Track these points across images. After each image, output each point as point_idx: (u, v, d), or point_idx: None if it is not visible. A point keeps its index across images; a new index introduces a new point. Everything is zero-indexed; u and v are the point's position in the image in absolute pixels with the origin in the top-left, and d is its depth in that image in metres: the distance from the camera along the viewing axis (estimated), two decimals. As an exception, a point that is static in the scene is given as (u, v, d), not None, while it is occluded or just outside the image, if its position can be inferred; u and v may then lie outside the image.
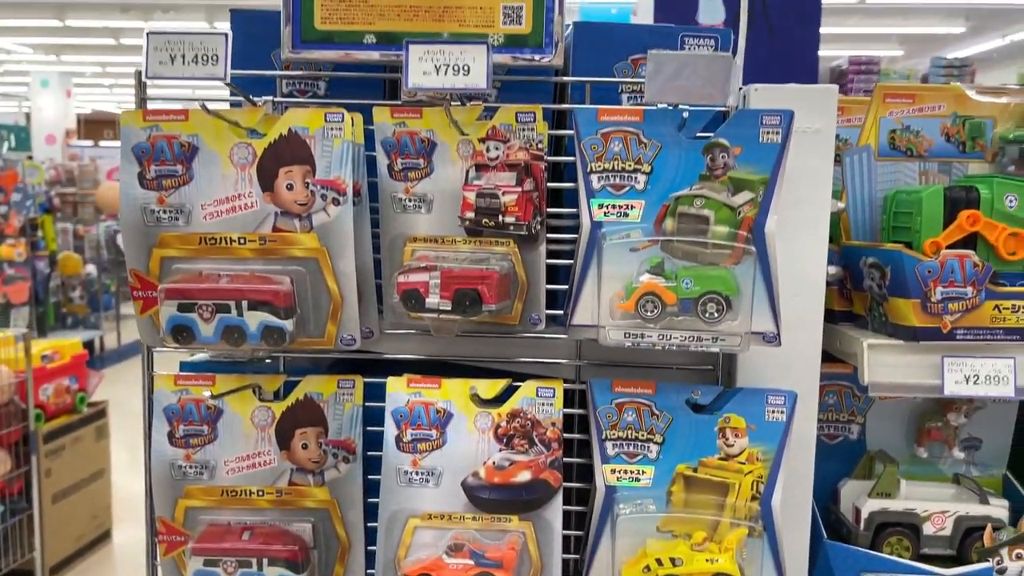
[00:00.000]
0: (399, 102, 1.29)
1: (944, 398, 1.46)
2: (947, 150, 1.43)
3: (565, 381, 1.33)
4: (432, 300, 1.20)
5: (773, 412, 1.21)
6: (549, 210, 1.28)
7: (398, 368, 1.34)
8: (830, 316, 1.44)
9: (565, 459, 1.30)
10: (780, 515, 1.21)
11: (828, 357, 1.40)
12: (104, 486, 4.74)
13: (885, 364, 1.28)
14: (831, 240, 1.46)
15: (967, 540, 1.38)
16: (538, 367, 1.37)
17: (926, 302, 1.25)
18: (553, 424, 1.25)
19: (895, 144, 1.42)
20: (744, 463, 1.22)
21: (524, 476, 1.22)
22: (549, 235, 1.29)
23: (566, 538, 1.31)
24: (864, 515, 1.40)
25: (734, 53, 1.35)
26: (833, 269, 1.40)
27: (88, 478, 4.53)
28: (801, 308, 1.33)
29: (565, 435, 1.31)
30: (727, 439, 1.22)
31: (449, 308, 1.20)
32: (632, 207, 1.19)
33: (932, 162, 1.43)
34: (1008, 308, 1.26)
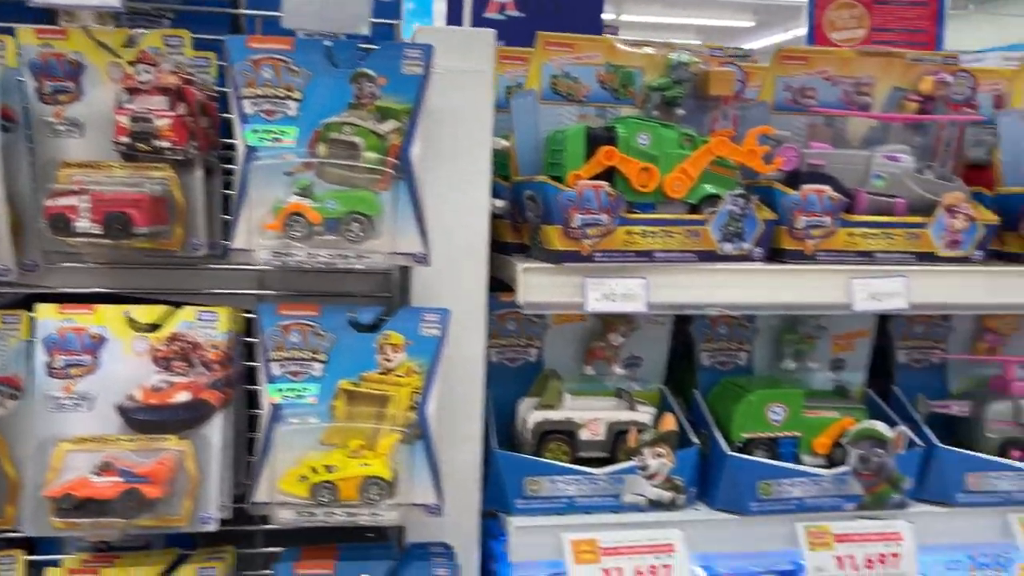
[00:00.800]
0: (54, 27, 1.26)
1: (606, 319, 1.63)
2: (603, 96, 1.58)
3: (248, 312, 1.37)
4: (82, 224, 1.19)
5: (428, 328, 1.31)
6: (229, 140, 1.30)
7: (71, 302, 1.31)
8: (504, 248, 1.56)
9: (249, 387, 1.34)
10: (436, 422, 1.31)
11: (508, 288, 1.52)
12: None
13: (538, 285, 1.41)
14: (505, 178, 1.59)
15: (618, 442, 1.55)
16: (217, 299, 1.40)
17: (568, 228, 1.39)
18: (215, 347, 1.27)
19: (557, 89, 1.56)
20: (402, 376, 1.30)
21: (182, 397, 1.24)
22: (230, 165, 1.31)
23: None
24: (530, 425, 1.53)
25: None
26: (500, 202, 1.52)
27: None
28: (468, 237, 1.44)
29: (248, 363, 1.35)
30: (386, 354, 1.30)
31: (100, 232, 1.19)
32: (285, 133, 1.23)
33: (590, 107, 1.58)
34: (638, 233, 1.42)
